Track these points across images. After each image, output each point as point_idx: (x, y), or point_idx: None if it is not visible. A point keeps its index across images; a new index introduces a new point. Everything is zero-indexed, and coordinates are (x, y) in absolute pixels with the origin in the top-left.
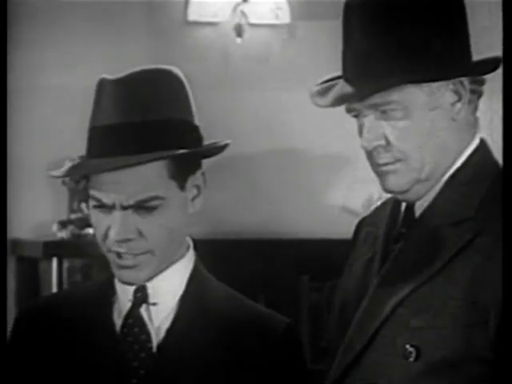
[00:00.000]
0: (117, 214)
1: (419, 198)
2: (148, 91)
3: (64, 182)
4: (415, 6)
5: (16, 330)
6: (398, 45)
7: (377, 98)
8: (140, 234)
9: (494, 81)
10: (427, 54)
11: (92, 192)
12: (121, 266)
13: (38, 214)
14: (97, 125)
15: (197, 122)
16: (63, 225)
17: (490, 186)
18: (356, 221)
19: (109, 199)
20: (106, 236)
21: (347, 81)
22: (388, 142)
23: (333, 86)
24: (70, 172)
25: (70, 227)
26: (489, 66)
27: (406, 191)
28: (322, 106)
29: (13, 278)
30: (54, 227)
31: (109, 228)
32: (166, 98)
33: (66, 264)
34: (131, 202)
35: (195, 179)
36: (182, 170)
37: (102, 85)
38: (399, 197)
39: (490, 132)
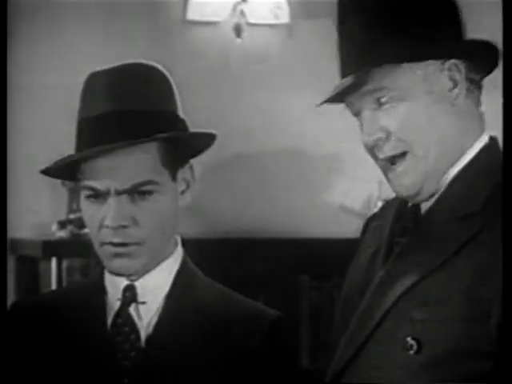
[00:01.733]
0: (112, 201)
1: (430, 197)
2: (138, 82)
3: (63, 182)
4: None
5: (7, 327)
6: (384, 28)
7: (369, 86)
8: (134, 221)
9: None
10: (413, 35)
11: (85, 182)
12: (113, 254)
13: (37, 213)
14: (86, 116)
15: (182, 115)
16: (63, 224)
17: (498, 183)
18: (354, 220)
19: (103, 186)
20: (100, 227)
21: (343, 76)
22: (388, 133)
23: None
24: (59, 162)
25: (70, 227)
26: (480, 47)
27: (418, 192)
28: (323, 103)
29: (12, 277)
30: (54, 227)
31: (103, 218)
32: (155, 90)
33: (65, 264)
34: (126, 185)
35: (184, 172)
36: (173, 160)
37: (92, 78)
38: (412, 200)
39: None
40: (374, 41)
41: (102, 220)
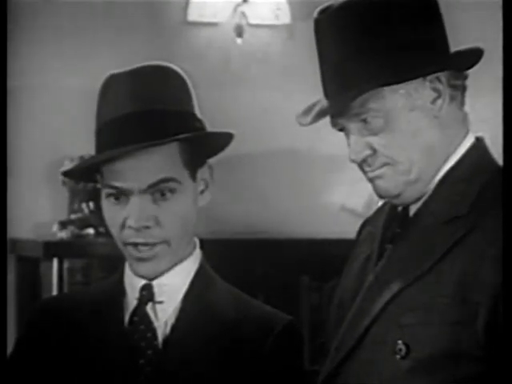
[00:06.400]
0: (134, 201)
1: (415, 201)
2: (158, 83)
3: (64, 182)
4: (381, 12)
5: (30, 324)
6: (367, 52)
7: (356, 109)
8: (157, 221)
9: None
10: (396, 56)
11: (107, 182)
12: (138, 258)
13: (38, 214)
14: (106, 117)
15: (199, 115)
16: (63, 225)
17: (486, 184)
18: (356, 221)
19: (126, 185)
20: (122, 227)
21: (326, 96)
22: (374, 151)
23: (316, 104)
24: (82, 164)
25: (71, 227)
26: (467, 57)
27: (397, 195)
28: (305, 124)
29: (13, 278)
30: (55, 227)
31: (126, 218)
32: (173, 91)
33: (66, 264)
34: (150, 181)
35: (203, 173)
36: (193, 159)
37: (110, 80)
38: (394, 201)
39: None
40: (357, 64)
41: (124, 220)
